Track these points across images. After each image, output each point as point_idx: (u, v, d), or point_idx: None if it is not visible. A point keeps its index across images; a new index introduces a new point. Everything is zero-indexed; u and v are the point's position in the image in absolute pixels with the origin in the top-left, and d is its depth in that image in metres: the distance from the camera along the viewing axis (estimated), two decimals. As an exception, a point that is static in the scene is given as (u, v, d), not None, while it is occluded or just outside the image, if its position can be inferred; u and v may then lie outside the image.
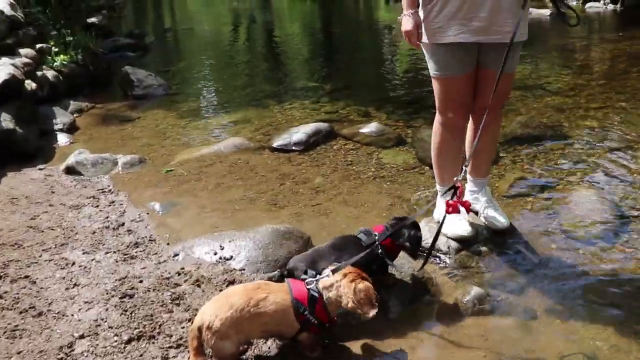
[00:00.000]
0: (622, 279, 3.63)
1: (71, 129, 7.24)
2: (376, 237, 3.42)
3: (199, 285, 3.56)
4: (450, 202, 3.50)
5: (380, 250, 3.38)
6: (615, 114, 6.51)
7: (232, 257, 3.85)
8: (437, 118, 3.98)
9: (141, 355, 2.96)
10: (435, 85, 3.83)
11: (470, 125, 4.09)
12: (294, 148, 6.20)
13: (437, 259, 3.90)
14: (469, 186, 4.31)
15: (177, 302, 3.39)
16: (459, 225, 3.98)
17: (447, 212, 3.48)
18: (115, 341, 3.05)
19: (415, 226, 3.60)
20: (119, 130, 7.21)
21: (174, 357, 2.97)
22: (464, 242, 3.97)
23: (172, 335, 3.10)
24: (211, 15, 21.85)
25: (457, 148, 4.07)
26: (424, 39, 3.68)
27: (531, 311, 3.39)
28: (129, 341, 3.05)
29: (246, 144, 6.35)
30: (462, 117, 3.92)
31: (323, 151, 6.11)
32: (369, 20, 18.76)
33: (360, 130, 6.56)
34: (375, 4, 22.72)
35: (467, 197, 4.29)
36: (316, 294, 2.85)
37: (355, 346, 3.13)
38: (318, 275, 2.94)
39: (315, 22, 19.34)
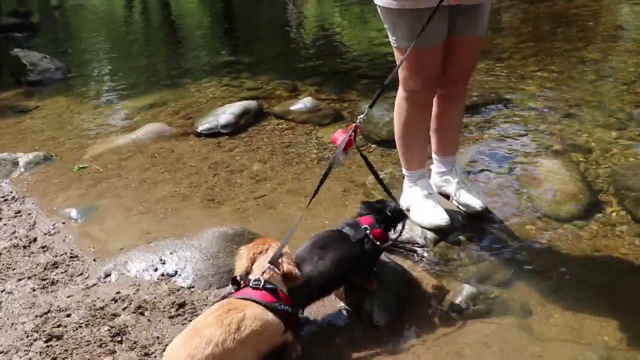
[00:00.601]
0: (606, 258, 3.33)
1: (-50, 127, 6.25)
2: (367, 231, 2.92)
3: (142, 313, 2.93)
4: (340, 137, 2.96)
5: (372, 245, 2.90)
6: (551, 78, 6.23)
7: (176, 272, 3.24)
8: (402, 94, 3.48)
9: (84, 421, 2.33)
10: (400, 57, 3.30)
11: (435, 100, 3.63)
12: (222, 131, 5.57)
13: (414, 253, 3.45)
14: (437, 167, 3.86)
15: (119, 338, 2.77)
16: (434, 213, 3.53)
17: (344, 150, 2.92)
18: (47, 404, 2.40)
19: (402, 213, 3.13)
20: (15, 124, 6.31)
21: (125, 417, 2.37)
22: (441, 232, 3.54)
23: (119, 387, 2.48)
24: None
25: (425, 127, 3.60)
26: (387, 2, 3.15)
27: (527, 307, 3.00)
28: (65, 403, 2.41)
29: (167, 130, 5.66)
30: (431, 91, 3.44)
31: (256, 133, 5.51)
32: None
33: (293, 108, 5.99)
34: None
35: (435, 179, 3.86)
36: (271, 286, 2.53)
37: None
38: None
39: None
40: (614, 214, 3.72)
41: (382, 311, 2.94)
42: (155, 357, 2.65)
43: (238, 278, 2.59)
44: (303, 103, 6.07)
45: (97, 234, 3.87)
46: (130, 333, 2.80)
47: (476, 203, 3.68)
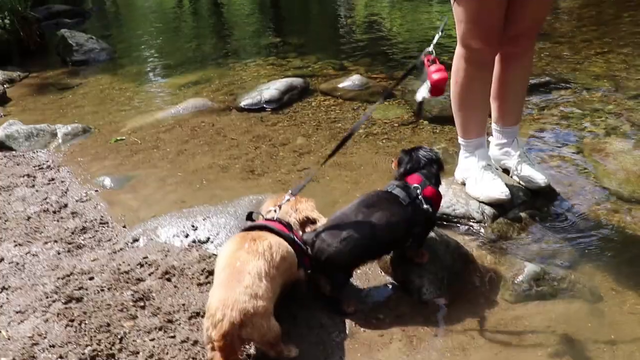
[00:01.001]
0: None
1: (0, 101, 6.15)
2: (417, 191, 2.60)
3: (169, 279, 2.70)
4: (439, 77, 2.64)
5: (426, 206, 2.57)
6: (618, 61, 5.77)
7: (208, 239, 3.00)
8: (460, 52, 3.16)
9: (97, 386, 2.10)
10: (458, 9, 2.98)
11: (497, 59, 3.30)
12: (265, 107, 5.32)
13: (470, 228, 3.12)
14: (496, 138, 3.52)
15: (142, 303, 2.53)
16: (493, 185, 3.20)
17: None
18: (60, 367, 2.17)
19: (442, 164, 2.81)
20: (58, 100, 6.18)
21: (143, 384, 2.12)
22: (500, 207, 3.20)
23: (138, 352, 2.24)
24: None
25: (485, 90, 3.26)
26: None
27: (597, 291, 2.66)
28: (78, 366, 2.17)
29: (209, 105, 5.45)
30: (491, 49, 3.10)
31: (300, 109, 5.25)
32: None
33: (340, 85, 5.71)
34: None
35: (494, 152, 3.52)
36: (285, 222, 2.51)
37: (377, 336, 2.38)
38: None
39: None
40: None
41: (432, 287, 2.63)
42: (180, 324, 2.41)
43: (254, 215, 2.54)
44: (351, 80, 5.79)
45: (130, 202, 3.67)
46: (154, 299, 2.57)
47: (540, 178, 3.33)
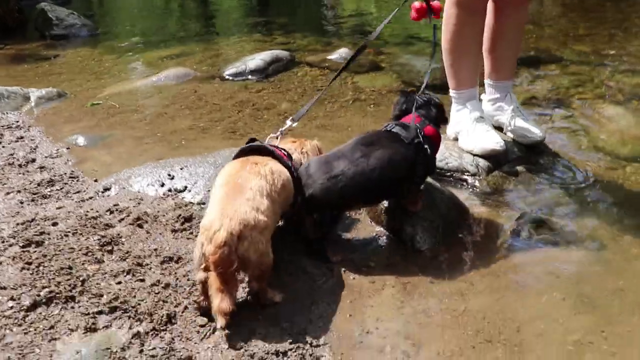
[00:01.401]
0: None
1: (-28, 70, 5.89)
2: (417, 129, 2.39)
3: (140, 226, 2.48)
4: (417, 4, 2.61)
5: (426, 146, 2.36)
6: (604, 40, 5.70)
7: (186, 187, 2.78)
8: (451, -3, 2.98)
9: (52, 327, 1.87)
10: None
11: (490, 8, 3.12)
12: (250, 77, 5.11)
13: (464, 182, 2.93)
14: (489, 94, 3.34)
15: (110, 247, 2.31)
16: (487, 137, 3.01)
17: (413, 17, 2.68)
18: (11, 308, 1.94)
19: (442, 108, 2.59)
20: (34, 68, 5.91)
21: (106, 325, 1.90)
22: (494, 161, 3.02)
23: (102, 295, 2.02)
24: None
25: (477, 37, 3.08)
26: None
27: (599, 240, 2.48)
28: (32, 307, 1.94)
29: (191, 74, 5.23)
30: None
31: (286, 78, 5.05)
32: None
33: (328, 57, 5.53)
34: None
35: (487, 107, 3.33)
36: (286, 152, 2.34)
37: (368, 282, 2.16)
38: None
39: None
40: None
41: (426, 235, 2.43)
42: (151, 268, 2.19)
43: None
44: (339, 53, 5.63)
45: (104, 157, 3.44)
46: (123, 244, 2.34)
47: (535, 131, 3.15)
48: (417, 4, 2.61)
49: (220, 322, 1.82)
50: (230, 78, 5.12)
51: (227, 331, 1.83)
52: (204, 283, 1.86)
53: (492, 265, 2.31)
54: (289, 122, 2.54)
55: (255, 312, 1.99)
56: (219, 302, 1.80)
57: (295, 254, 2.34)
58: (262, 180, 2.02)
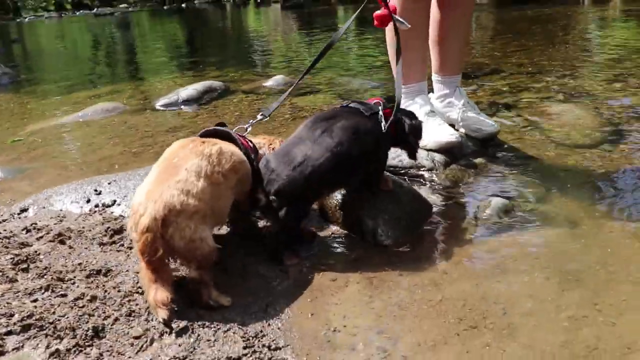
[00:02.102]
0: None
1: None
2: (379, 107, 2.18)
3: (62, 242, 2.15)
4: (378, 12, 2.45)
5: (383, 123, 2.14)
6: (537, 54, 5.86)
7: (115, 202, 2.47)
8: (395, -15, 2.84)
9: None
10: None
11: (434, 3, 3.00)
12: (183, 107, 4.85)
13: (421, 178, 2.73)
14: (437, 90, 3.19)
15: (26, 266, 1.97)
16: (441, 130, 2.84)
17: (376, 25, 2.47)
18: None
19: (414, 116, 2.37)
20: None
21: (16, 347, 1.56)
22: (450, 155, 2.84)
23: (12, 314, 1.67)
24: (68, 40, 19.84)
25: (422, 28, 2.95)
26: None
27: (572, 219, 2.30)
28: None
29: (121, 107, 4.93)
30: None
31: (221, 104, 4.82)
32: (236, 25, 17.61)
33: (264, 84, 5.35)
34: (245, 14, 21.54)
35: (436, 105, 3.18)
36: (252, 144, 2.13)
37: (329, 280, 1.89)
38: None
39: (178, 33, 17.80)
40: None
41: (389, 227, 2.19)
42: (74, 283, 1.86)
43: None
44: (274, 80, 5.47)
45: (24, 188, 3.09)
46: (41, 261, 2.00)
47: (488, 124, 3.01)
48: (378, 12, 2.45)
49: (161, 314, 1.55)
50: (162, 108, 4.86)
51: (174, 328, 1.57)
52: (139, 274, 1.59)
53: (464, 252, 2.09)
54: (259, 116, 2.35)
55: (202, 317, 1.69)
56: (154, 294, 1.53)
57: (245, 256, 2.06)
58: (203, 160, 1.77)
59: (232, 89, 5.38)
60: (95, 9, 29.10)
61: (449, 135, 2.80)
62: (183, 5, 21.16)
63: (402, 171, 2.77)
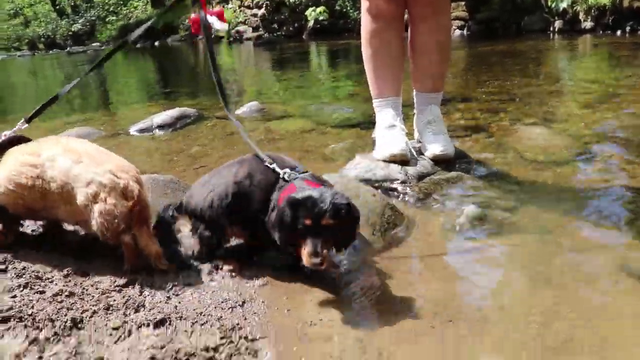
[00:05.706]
0: (621, 187, 2.77)
1: None
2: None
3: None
4: (193, 16, 2.45)
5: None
6: (509, 84, 5.98)
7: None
8: (364, 5, 2.95)
9: None
10: None
11: (411, 20, 3.11)
12: (157, 132, 4.88)
13: (394, 191, 2.79)
14: (415, 104, 3.26)
15: (3, 267, 1.96)
16: (393, 142, 2.94)
17: (194, 31, 2.45)
18: None
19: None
20: None
21: (-6, 338, 1.55)
22: (424, 169, 2.91)
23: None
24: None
25: (394, 45, 3.03)
26: None
27: (545, 228, 2.36)
28: None
29: (96, 132, 4.92)
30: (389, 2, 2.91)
31: (195, 128, 4.86)
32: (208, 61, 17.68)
33: (238, 112, 5.40)
34: (218, 51, 21.74)
35: (415, 120, 3.26)
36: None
37: (303, 278, 1.91)
38: None
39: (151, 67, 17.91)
40: (613, 157, 3.20)
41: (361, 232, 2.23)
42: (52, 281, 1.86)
43: None
44: (248, 107, 5.51)
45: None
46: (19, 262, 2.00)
47: (440, 147, 3.01)
48: (193, 16, 2.45)
49: None
50: (137, 133, 4.87)
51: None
52: None
53: (438, 257, 2.14)
54: (19, 124, 2.30)
55: (178, 312, 1.70)
56: None
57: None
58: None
59: (205, 115, 5.42)
60: (68, 48, 29.05)
61: (398, 148, 2.88)
62: (156, 43, 21.26)
63: (376, 184, 2.82)
